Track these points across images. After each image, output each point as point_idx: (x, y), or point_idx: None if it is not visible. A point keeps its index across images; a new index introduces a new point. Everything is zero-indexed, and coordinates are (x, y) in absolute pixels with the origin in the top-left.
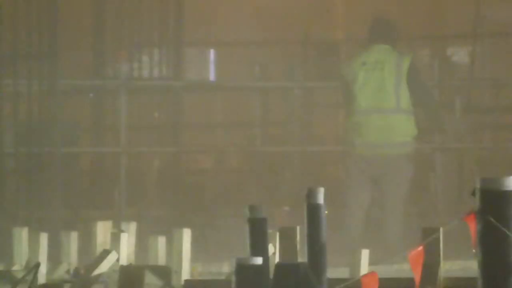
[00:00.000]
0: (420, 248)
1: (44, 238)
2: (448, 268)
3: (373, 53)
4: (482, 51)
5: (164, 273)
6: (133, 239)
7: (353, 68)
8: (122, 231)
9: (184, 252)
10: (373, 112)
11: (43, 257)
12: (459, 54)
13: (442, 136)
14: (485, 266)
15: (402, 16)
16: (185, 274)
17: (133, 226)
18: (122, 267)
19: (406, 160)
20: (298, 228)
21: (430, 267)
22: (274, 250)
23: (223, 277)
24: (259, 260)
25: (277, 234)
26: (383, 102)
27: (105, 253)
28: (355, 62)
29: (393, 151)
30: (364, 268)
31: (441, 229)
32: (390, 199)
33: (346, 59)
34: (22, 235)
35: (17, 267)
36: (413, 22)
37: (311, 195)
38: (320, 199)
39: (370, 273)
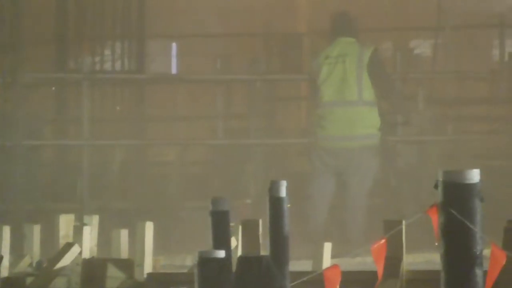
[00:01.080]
0: (383, 241)
1: (6, 231)
2: (411, 261)
3: (336, 47)
4: (445, 43)
5: (127, 266)
6: (95, 232)
7: (318, 62)
8: (85, 224)
9: (147, 245)
10: (336, 104)
11: (5, 250)
12: (422, 47)
13: (408, 127)
14: (447, 258)
15: (365, 9)
16: (148, 267)
17: (95, 219)
18: (84, 260)
19: (370, 152)
20: (260, 221)
21: (392, 260)
22: (236, 243)
23: (185, 270)
24: (221, 253)
25: (240, 227)
26: (346, 95)
27: (68, 246)
28: (320, 56)
29: (357, 143)
30: (327, 261)
31: (403, 222)
32: (354, 191)
33: (308, 52)
34: None
35: None
36: (376, 15)
37: (273, 188)
38: (283, 192)
39: (333, 266)
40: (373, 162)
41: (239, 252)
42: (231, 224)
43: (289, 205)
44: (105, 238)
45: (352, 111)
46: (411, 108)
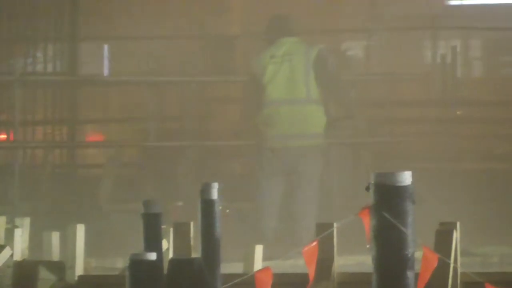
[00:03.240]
0: (314, 243)
1: None
2: (342, 263)
3: (282, 46)
4: (378, 45)
5: (58, 268)
6: (27, 235)
7: (262, 62)
8: (16, 227)
9: (78, 247)
10: (284, 103)
11: None
12: (355, 48)
13: (354, 126)
14: (379, 261)
15: (297, 10)
16: (79, 270)
17: (27, 221)
18: (16, 262)
19: (318, 152)
20: (192, 223)
21: (324, 262)
22: (168, 245)
23: (117, 272)
24: (153, 256)
25: (171, 229)
26: (294, 93)
27: None
28: (264, 56)
29: (307, 142)
30: (258, 264)
31: (335, 224)
32: (303, 191)
33: (242, 54)
34: None
35: None
36: (309, 16)
37: (205, 190)
38: (214, 194)
39: (265, 268)
40: (320, 161)
41: (171, 255)
42: (163, 226)
43: (227, 211)
44: (36, 240)
45: (300, 110)
46: (356, 108)
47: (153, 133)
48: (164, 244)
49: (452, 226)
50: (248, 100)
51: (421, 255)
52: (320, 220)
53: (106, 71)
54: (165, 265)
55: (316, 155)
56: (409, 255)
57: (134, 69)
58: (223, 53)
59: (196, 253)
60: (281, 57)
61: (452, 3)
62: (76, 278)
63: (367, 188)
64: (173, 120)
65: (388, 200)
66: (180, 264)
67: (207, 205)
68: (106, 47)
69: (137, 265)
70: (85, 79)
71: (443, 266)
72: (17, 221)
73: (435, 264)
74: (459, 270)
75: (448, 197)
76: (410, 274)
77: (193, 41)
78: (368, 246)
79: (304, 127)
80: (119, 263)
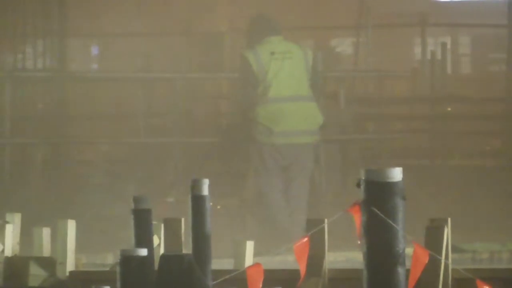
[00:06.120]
0: (305, 239)
1: None
2: (333, 259)
3: (278, 43)
4: (366, 42)
5: (49, 264)
6: (18, 230)
7: (262, 58)
8: (7, 222)
9: (69, 243)
10: (288, 100)
11: None
12: (343, 45)
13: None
14: (370, 256)
15: (286, 6)
16: (70, 265)
17: (18, 217)
18: (6, 258)
19: (312, 148)
20: (183, 219)
21: (315, 258)
22: (159, 241)
23: (107, 269)
24: (143, 252)
25: (162, 225)
26: (297, 90)
27: None
28: (261, 52)
29: (307, 139)
30: (249, 260)
31: (325, 221)
32: (300, 186)
33: (229, 51)
34: None
35: None
36: (297, 13)
37: (195, 186)
38: (205, 190)
39: (255, 265)
40: (314, 157)
41: (162, 251)
42: (154, 222)
43: (219, 207)
44: (26, 236)
45: (304, 106)
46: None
47: (142, 129)
48: (155, 240)
49: (443, 222)
50: (246, 95)
51: (412, 251)
52: (310, 217)
53: (95, 68)
54: (156, 261)
55: (311, 151)
56: (400, 251)
57: (123, 65)
58: (210, 50)
59: (186, 249)
60: (282, 54)
61: (441, 0)
62: (67, 274)
63: (358, 185)
64: (161, 117)
65: (379, 196)
66: (171, 260)
67: (198, 201)
68: (95, 43)
69: (128, 261)
70: (74, 75)
71: (434, 262)
72: (8, 216)
73: (426, 260)
74: (450, 266)
75: (438, 194)
76: (401, 270)
77: (181, 37)
78: (359, 242)
79: (307, 124)
80: (109, 259)
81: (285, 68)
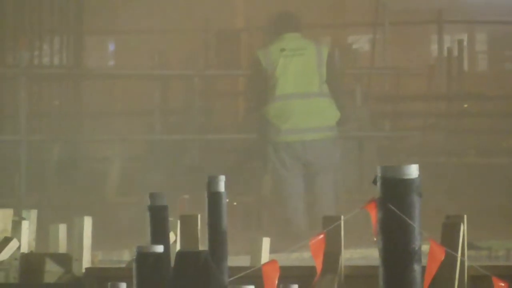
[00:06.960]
0: (321, 236)
1: None
2: (349, 256)
3: (291, 41)
4: (383, 39)
5: (65, 260)
6: (34, 227)
7: (271, 55)
8: (23, 219)
9: (85, 240)
10: (296, 96)
11: None
12: (360, 42)
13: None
14: (386, 254)
15: (303, 4)
16: (86, 262)
17: (34, 214)
18: (23, 254)
19: (332, 145)
20: (199, 216)
21: (331, 255)
22: (175, 238)
23: (123, 265)
24: (160, 248)
25: (178, 222)
26: (307, 87)
27: (6, 240)
28: (272, 49)
29: (320, 135)
30: (265, 256)
31: (342, 217)
32: (322, 183)
33: (246, 48)
34: None
35: None
36: (314, 10)
37: (211, 183)
38: (221, 187)
39: (271, 261)
40: (336, 154)
41: (178, 247)
42: (170, 219)
43: (235, 203)
44: (43, 233)
45: (314, 103)
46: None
47: (158, 126)
48: (171, 236)
49: (459, 219)
50: (255, 92)
51: (428, 248)
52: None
53: (111, 65)
54: (172, 257)
55: (331, 147)
56: (416, 248)
57: (139, 62)
58: (227, 47)
59: (203, 246)
60: (292, 51)
61: None
62: (83, 270)
63: (374, 181)
64: (177, 114)
65: (395, 193)
66: (187, 256)
67: (214, 198)
68: (111, 40)
69: (144, 257)
70: (90, 72)
71: (450, 259)
72: (24, 213)
73: (442, 257)
74: (466, 264)
75: (454, 191)
76: (417, 267)
77: (197, 34)
78: (375, 239)
79: (318, 121)
80: (125, 256)
81: (294, 65)
